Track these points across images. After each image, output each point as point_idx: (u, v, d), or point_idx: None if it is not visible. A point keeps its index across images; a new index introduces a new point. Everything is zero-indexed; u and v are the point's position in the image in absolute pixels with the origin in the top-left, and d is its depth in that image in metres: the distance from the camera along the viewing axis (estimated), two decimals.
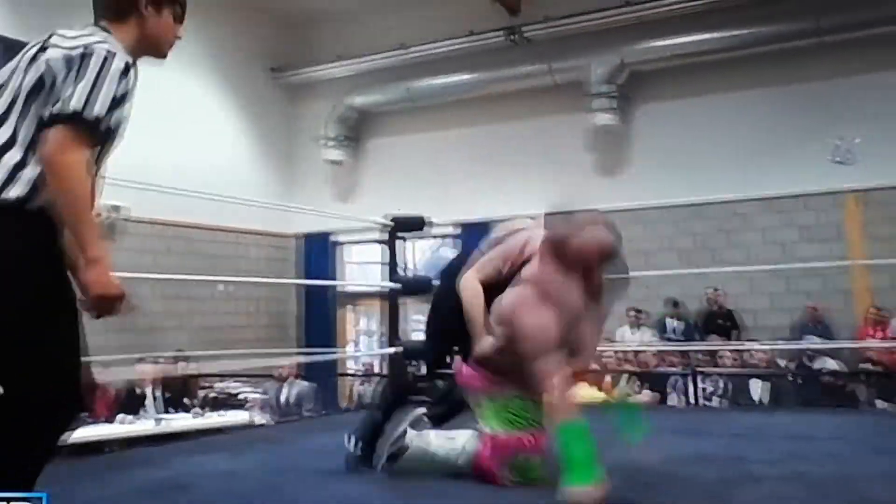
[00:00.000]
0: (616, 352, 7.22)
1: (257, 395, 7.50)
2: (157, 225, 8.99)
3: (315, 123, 10.77)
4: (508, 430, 2.52)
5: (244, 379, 8.37)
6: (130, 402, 6.38)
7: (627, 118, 9.42)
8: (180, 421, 6.02)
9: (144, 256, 8.67)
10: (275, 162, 11.02)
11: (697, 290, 8.66)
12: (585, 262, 2.50)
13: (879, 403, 5.30)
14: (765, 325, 8.47)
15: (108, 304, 1.68)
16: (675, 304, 8.66)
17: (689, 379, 6.04)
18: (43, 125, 1.61)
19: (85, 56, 1.65)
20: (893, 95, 8.27)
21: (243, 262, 10.07)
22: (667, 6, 8.80)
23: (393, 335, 4.99)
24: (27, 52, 1.73)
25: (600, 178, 9.49)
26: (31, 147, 1.63)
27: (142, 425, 5.83)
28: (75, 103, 1.61)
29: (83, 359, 1.70)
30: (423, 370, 2.91)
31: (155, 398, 6.49)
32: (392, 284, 4.86)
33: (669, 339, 8.12)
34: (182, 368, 7.76)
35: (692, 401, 6.21)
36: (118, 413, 6.14)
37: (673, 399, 6.52)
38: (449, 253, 10.50)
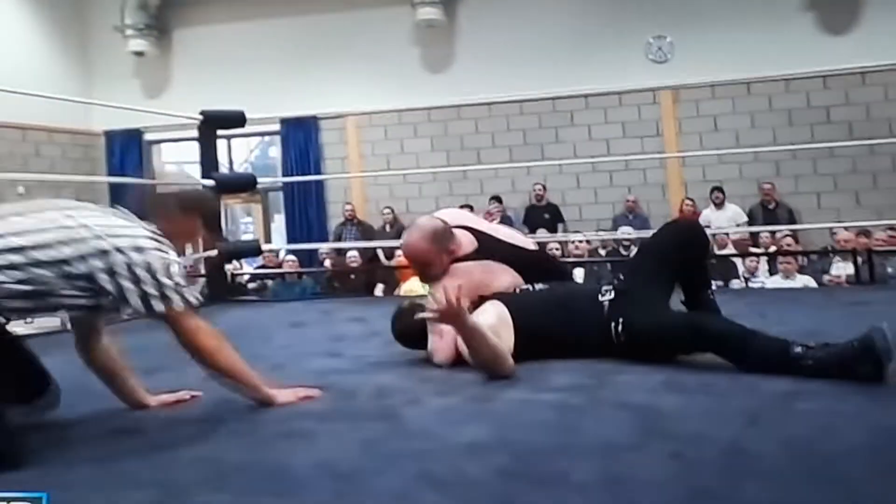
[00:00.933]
0: None
1: None
2: None
3: (111, 10, 9.75)
4: None
5: None
6: None
7: (451, 13, 9.24)
8: None
9: None
10: (69, 52, 9.93)
11: (526, 186, 8.86)
12: None
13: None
14: (589, 218, 8.84)
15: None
16: (499, 199, 8.81)
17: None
18: None
19: None
20: None
21: (44, 162, 9.19)
22: None
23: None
24: None
25: (427, 75, 9.35)
26: None
27: None
28: None
29: None
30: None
31: None
32: (206, 182, 4.53)
33: None
34: None
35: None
36: None
37: None
38: (275, 153, 10.11)
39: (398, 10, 9.14)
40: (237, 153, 10.66)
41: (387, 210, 9.06)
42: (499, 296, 2.53)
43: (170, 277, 1.83)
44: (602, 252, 7.46)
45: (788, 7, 8.40)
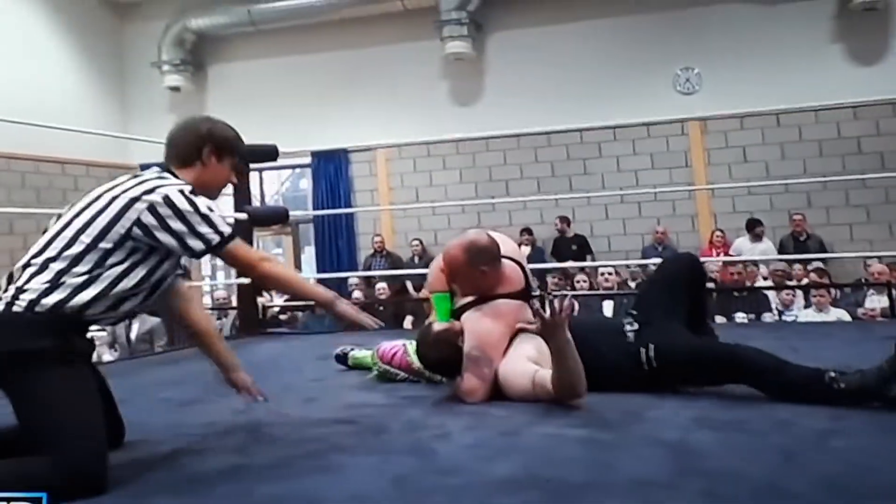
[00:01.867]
0: None
1: (103, 333, 7.04)
2: None
3: (149, 47, 10.03)
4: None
5: None
6: None
7: (480, 46, 9.35)
8: None
9: None
10: (108, 88, 10.22)
11: (554, 217, 8.88)
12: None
13: (718, 318, 5.62)
14: (618, 250, 8.82)
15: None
16: (530, 231, 8.83)
17: (547, 302, 6.14)
18: None
19: None
20: (732, 27, 8.65)
21: (79, 195, 9.33)
22: None
23: None
24: None
25: (455, 108, 9.46)
26: None
27: None
28: None
29: None
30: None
31: None
32: (239, 215, 4.60)
33: None
34: None
35: None
36: None
37: None
38: (306, 184, 10.25)
39: (427, 45, 9.27)
40: (269, 185, 10.81)
41: (415, 242, 9.11)
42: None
43: (199, 212, 1.81)
44: (632, 284, 7.41)
45: (817, 38, 8.39)
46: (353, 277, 8.34)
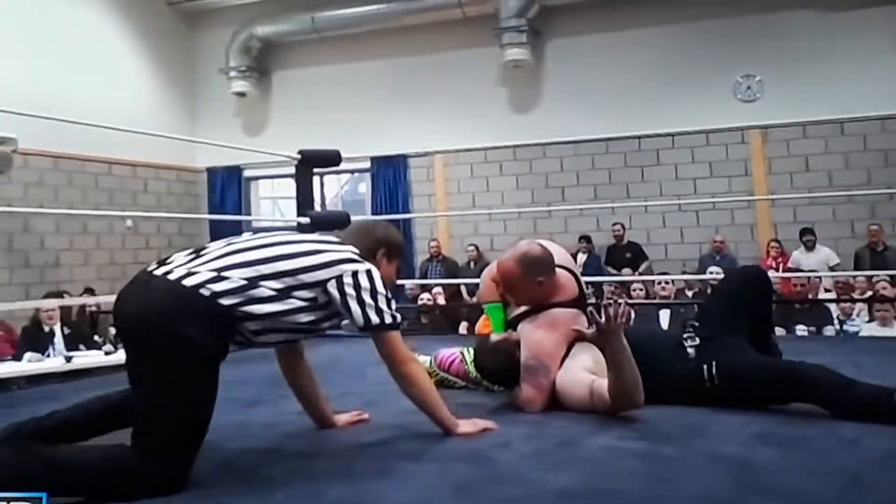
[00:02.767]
0: None
1: None
2: (53, 158, 8.54)
3: (217, 54, 10.29)
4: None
5: None
6: (37, 339, 6.07)
7: (538, 53, 9.35)
8: (90, 358, 5.74)
9: (44, 191, 8.40)
10: (177, 93, 10.51)
11: (610, 224, 8.83)
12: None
13: (778, 331, 5.51)
14: (675, 258, 8.72)
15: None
16: (588, 239, 8.80)
17: (602, 308, 6.12)
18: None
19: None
20: (794, 35, 8.48)
21: (149, 197, 9.70)
22: None
23: None
24: None
25: (513, 115, 9.47)
26: None
27: (50, 363, 5.54)
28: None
29: None
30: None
31: (63, 335, 6.18)
32: (302, 220, 4.71)
33: None
34: (91, 305, 7.47)
35: None
36: (25, 351, 5.86)
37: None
38: (364, 189, 10.39)
39: (487, 51, 9.30)
40: (329, 188, 10.99)
41: (471, 247, 9.16)
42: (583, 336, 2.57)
43: (384, 295, 2.01)
44: (689, 293, 7.32)
45: (882, 46, 8.17)
46: (408, 283, 8.41)
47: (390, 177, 9.83)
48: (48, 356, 5.81)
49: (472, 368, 2.85)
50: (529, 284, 2.55)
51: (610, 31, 9.15)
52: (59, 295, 7.42)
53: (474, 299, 7.49)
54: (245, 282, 1.85)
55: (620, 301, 2.22)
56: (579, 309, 2.62)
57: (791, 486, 1.64)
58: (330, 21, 9.69)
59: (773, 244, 8.18)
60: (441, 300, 7.67)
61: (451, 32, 9.63)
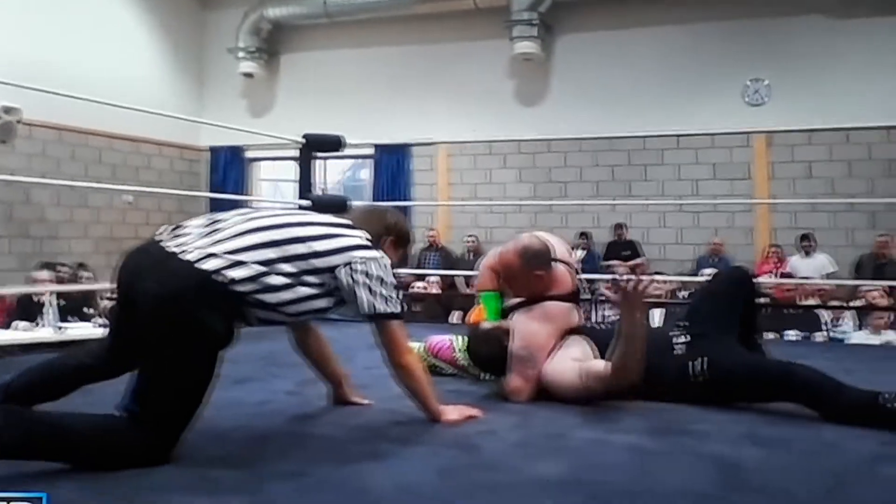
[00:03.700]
0: None
1: None
2: (57, 130, 8.54)
3: (227, 34, 10.26)
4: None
5: None
6: (29, 309, 6.09)
7: (548, 48, 9.33)
8: (80, 329, 5.76)
9: (47, 162, 8.43)
10: (185, 71, 10.49)
11: (610, 222, 8.83)
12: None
13: (769, 335, 5.53)
14: (672, 258, 8.73)
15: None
16: (587, 236, 8.81)
17: (593, 305, 6.14)
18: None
19: None
20: (804, 40, 8.46)
21: (151, 173, 9.70)
22: None
23: None
24: None
25: (520, 108, 9.45)
26: None
27: (40, 332, 5.56)
28: None
29: None
30: None
31: (52, 306, 6.20)
32: (303, 202, 4.72)
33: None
34: (84, 278, 7.49)
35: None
36: (15, 320, 5.87)
37: None
38: (366, 175, 10.38)
39: (497, 43, 9.28)
40: (331, 173, 10.98)
41: (470, 238, 9.16)
42: (575, 330, 2.59)
43: (392, 285, 2.03)
44: (684, 293, 7.34)
45: (889, 56, 8.14)
46: (403, 271, 8.40)
47: (393, 164, 9.83)
48: (40, 326, 5.83)
49: (461, 356, 2.87)
50: (528, 277, 2.57)
51: (621, 28, 9.13)
52: (53, 266, 7.45)
53: (471, 289, 7.51)
54: (260, 267, 1.85)
55: (645, 277, 2.24)
56: (574, 303, 2.63)
57: (773, 485, 1.66)
58: (342, 6, 9.66)
59: (773, 249, 8.18)
60: (436, 289, 7.68)
61: (461, 23, 9.60)
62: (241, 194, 10.11)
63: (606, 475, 1.72)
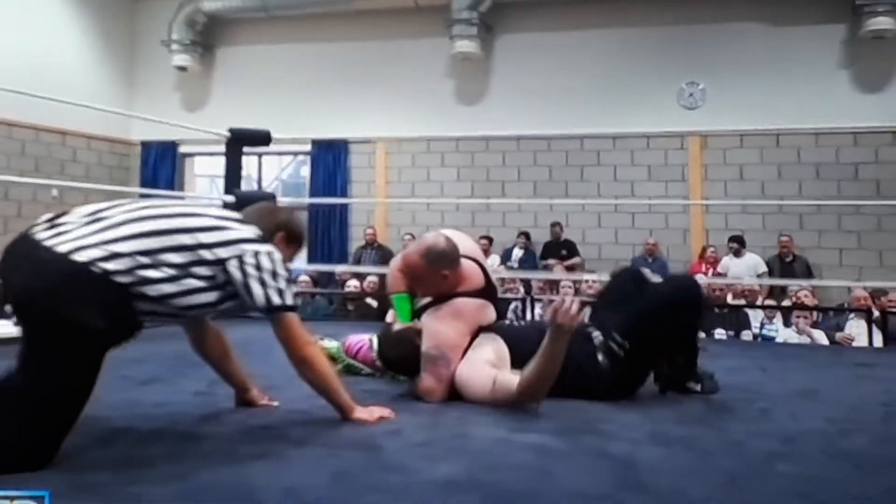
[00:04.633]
0: None
1: None
2: None
3: (160, 25, 10.01)
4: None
5: None
6: None
7: (488, 48, 9.34)
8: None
9: None
10: (116, 63, 10.20)
11: (548, 222, 8.87)
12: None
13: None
14: (608, 258, 8.80)
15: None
16: (527, 235, 8.83)
17: (528, 304, 6.15)
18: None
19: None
20: (740, 46, 8.64)
21: (78, 167, 9.39)
22: None
23: None
24: None
25: (459, 106, 9.45)
26: None
27: None
28: None
29: None
30: None
31: None
32: (227, 198, 4.61)
33: (511, 268, 8.29)
34: None
35: None
36: None
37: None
38: (307, 172, 10.24)
39: (436, 42, 9.26)
40: (268, 170, 10.80)
41: (408, 236, 9.09)
42: (489, 328, 2.56)
43: (285, 278, 1.98)
44: None
45: (824, 62, 8.38)
46: (340, 268, 8.33)
47: (330, 161, 9.72)
48: None
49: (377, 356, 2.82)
50: (434, 277, 2.53)
51: (560, 30, 9.18)
52: None
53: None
54: (141, 258, 1.77)
55: (575, 299, 2.21)
56: (486, 299, 2.60)
57: (667, 484, 1.64)
58: (280, 0, 9.51)
59: (711, 250, 8.32)
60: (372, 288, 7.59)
61: (401, 20, 9.56)
62: (174, 190, 9.87)
63: (503, 476, 1.68)
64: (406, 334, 2.55)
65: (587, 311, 2.31)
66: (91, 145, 9.67)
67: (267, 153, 10.02)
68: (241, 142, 4.94)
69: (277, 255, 1.98)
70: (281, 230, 2.14)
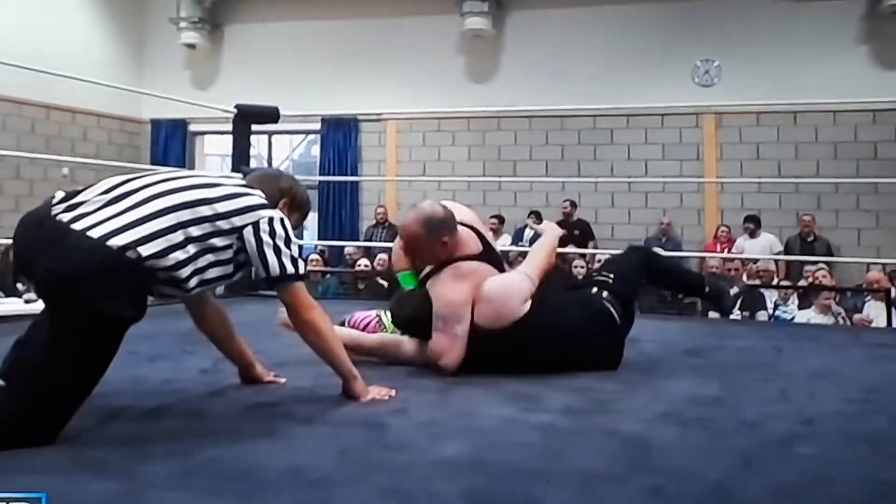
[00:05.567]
0: None
1: None
2: None
3: (168, 3, 9.92)
4: None
5: None
6: None
7: (499, 24, 9.22)
8: (8, 306, 5.54)
9: None
10: (125, 41, 10.13)
11: (560, 201, 8.80)
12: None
13: (711, 314, 5.55)
14: (621, 238, 8.72)
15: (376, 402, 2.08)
16: (538, 215, 8.75)
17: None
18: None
19: None
20: (756, 22, 8.48)
21: (89, 145, 9.38)
22: None
23: None
24: None
25: (470, 84, 9.34)
26: None
27: None
28: None
29: None
30: None
31: None
32: (236, 175, 4.56)
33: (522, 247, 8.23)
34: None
35: None
36: None
37: None
38: (317, 151, 10.19)
39: (447, 19, 9.15)
40: (278, 149, 10.76)
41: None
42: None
43: (295, 245, 1.96)
44: None
45: (843, 39, 8.22)
46: (350, 246, 8.31)
47: (340, 140, 9.66)
48: None
49: (388, 326, 2.79)
50: (434, 245, 2.52)
51: (573, 5, 9.05)
52: None
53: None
54: (171, 235, 1.75)
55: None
56: (487, 264, 2.60)
57: (680, 465, 1.60)
58: None
59: (722, 229, 8.24)
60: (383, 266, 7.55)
61: None
62: (184, 168, 9.85)
63: (510, 455, 1.65)
64: (417, 293, 2.56)
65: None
66: (101, 123, 9.64)
67: (277, 132, 9.97)
68: (248, 119, 4.89)
69: (287, 221, 1.96)
70: (285, 196, 2.12)
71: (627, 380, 2.46)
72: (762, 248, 7.83)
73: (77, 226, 1.70)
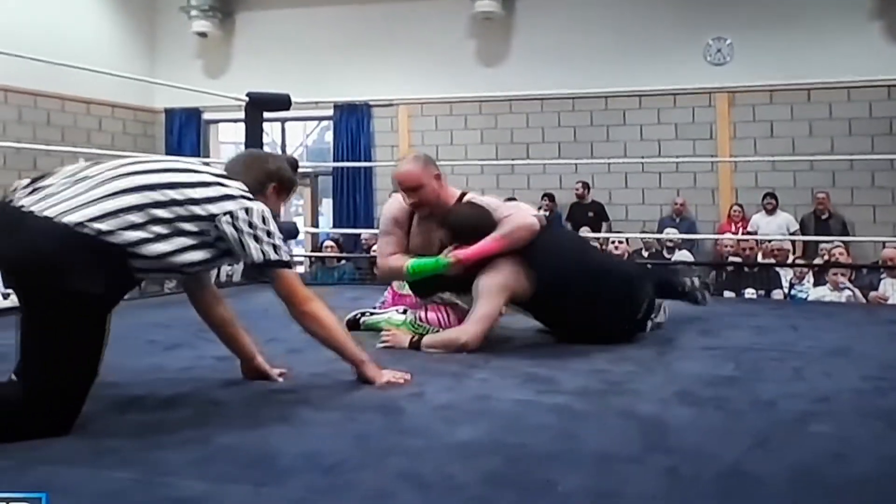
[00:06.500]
0: None
1: None
2: (3, 91, 8.32)
3: None
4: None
5: None
6: None
7: (509, 7, 9.16)
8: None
9: None
10: (137, 31, 10.15)
11: (573, 183, 8.77)
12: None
13: (727, 293, 5.53)
14: (635, 219, 8.70)
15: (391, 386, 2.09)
16: (551, 197, 8.74)
17: None
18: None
19: None
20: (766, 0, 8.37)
21: (104, 136, 9.43)
22: None
23: None
24: None
25: (481, 68, 9.30)
26: None
27: None
28: None
29: None
30: None
31: None
32: None
33: None
34: None
35: None
36: None
37: None
38: (331, 138, 10.19)
39: (456, 3, 9.10)
40: (292, 136, 10.76)
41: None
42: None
43: (277, 235, 1.95)
44: (645, 254, 7.32)
45: (856, 14, 8.10)
46: (365, 233, 8.31)
47: (353, 126, 9.66)
48: None
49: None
50: (431, 179, 2.76)
51: None
52: None
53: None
54: (129, 215, 1.73)
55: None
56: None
57: (695, 445, 1.60)
58: None
59: (735, 208, 8.20)
60: None
61: None
62: (199, 157, 9.88)
63: (526, 438, 1.66)
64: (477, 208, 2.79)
65: None
66: (115, 114, 9.68)
67: (290, 119, 9.97)
68: (260, 106, 4.89)
69: (267, 212, 1.95)
70: (272, 180, 2.10)
71: (642, 361, 2.47)
72: (778, 226, 7.78)
73: (35, 208, 1.69)
